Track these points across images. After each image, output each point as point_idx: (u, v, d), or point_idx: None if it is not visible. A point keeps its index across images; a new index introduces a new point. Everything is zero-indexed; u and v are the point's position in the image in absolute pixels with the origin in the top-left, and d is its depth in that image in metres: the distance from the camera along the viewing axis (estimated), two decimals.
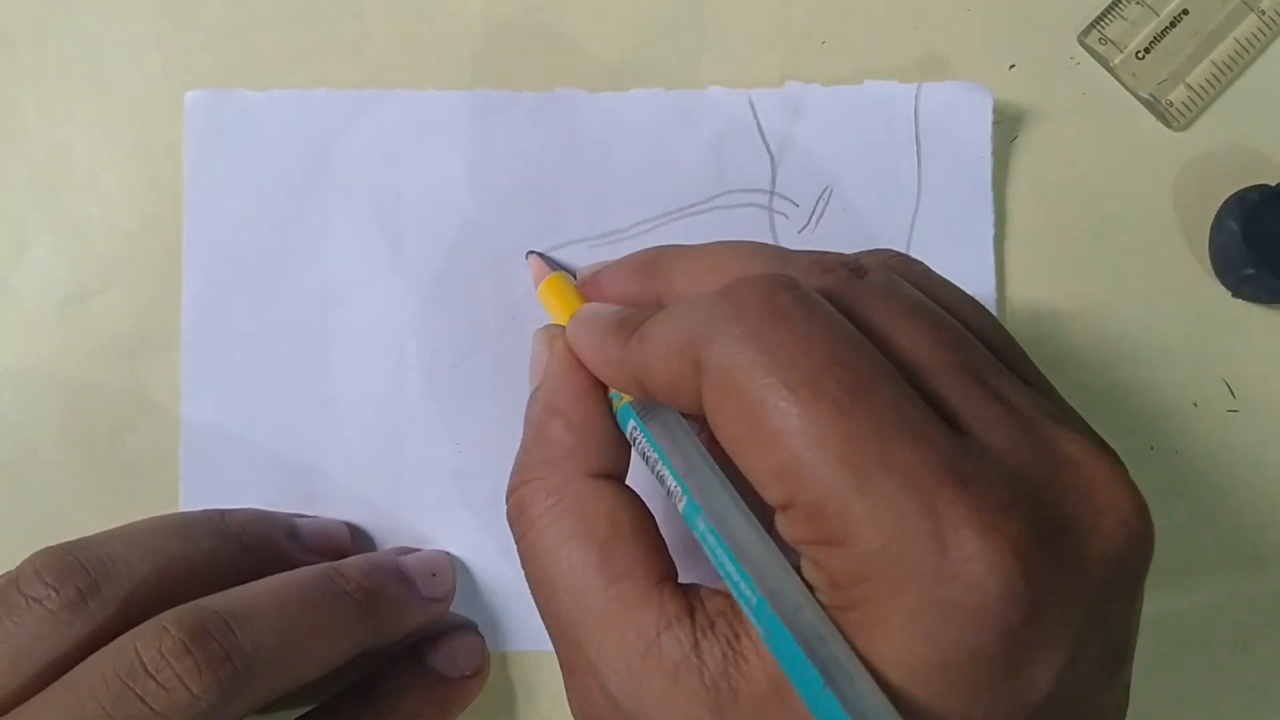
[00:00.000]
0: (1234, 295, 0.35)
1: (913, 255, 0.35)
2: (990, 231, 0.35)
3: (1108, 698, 0.23)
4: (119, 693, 0.25)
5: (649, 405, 0.27)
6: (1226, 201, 0.35)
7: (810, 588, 0.22)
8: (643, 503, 0.27)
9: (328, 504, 0.35)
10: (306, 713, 0.31)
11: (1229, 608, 0.34)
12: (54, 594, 0.27)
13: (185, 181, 0.35)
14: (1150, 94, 0.36)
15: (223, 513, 0.32)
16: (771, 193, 0.35)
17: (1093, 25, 0.36)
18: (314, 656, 0.29)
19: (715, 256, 0.28)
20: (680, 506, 0.25)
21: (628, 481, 0.28)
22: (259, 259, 0.35)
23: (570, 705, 0.26)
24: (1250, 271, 0.34)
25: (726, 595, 0.24)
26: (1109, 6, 0.36)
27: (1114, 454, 0.23)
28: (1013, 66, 0.36)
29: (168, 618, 0.26)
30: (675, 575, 0.26)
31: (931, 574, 0.20)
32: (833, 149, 0.35)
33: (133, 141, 0.36)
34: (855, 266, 0.26)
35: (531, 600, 0.34)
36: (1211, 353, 0.35)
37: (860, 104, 0.35)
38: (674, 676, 0.23)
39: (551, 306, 0.32)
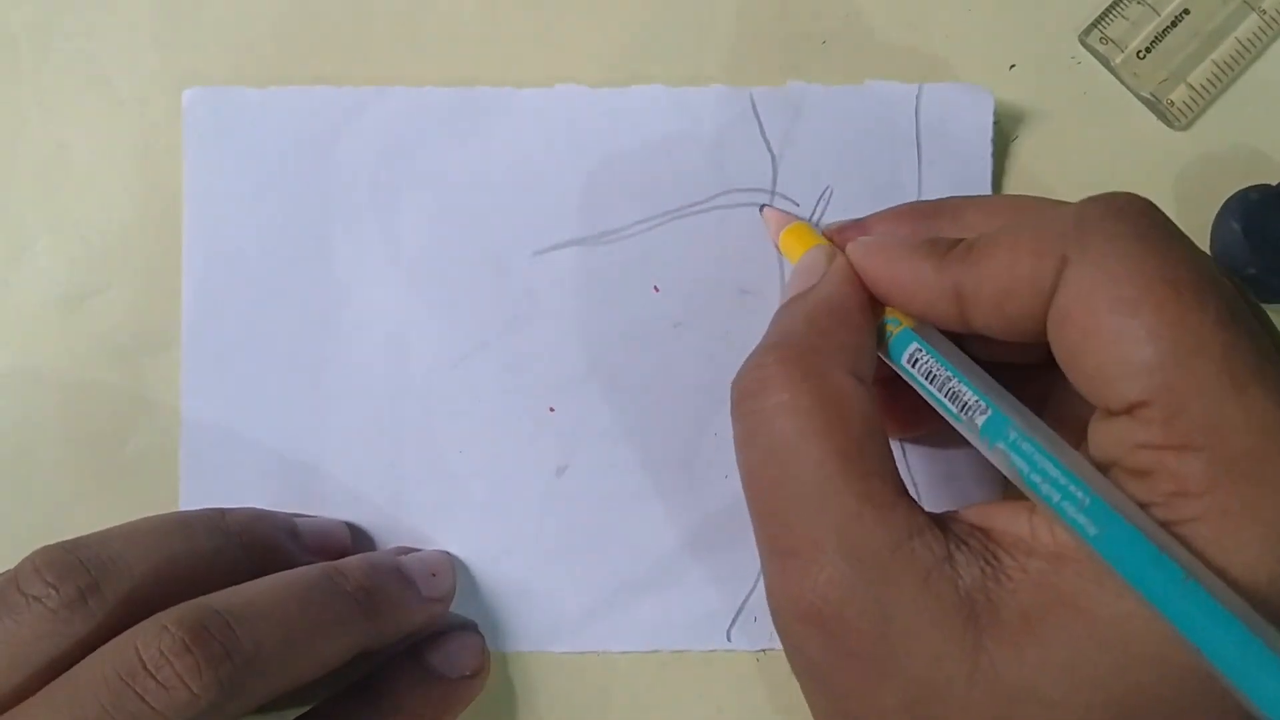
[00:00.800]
0: None
1: None
2: None
3: None
4: (119, 691, 0.25)
5: (927, 330, 0.27)
6: (1227, 201, 0.35)
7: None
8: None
9: (328, 504, 0.35)
10: (306, 712, 0.31)
11: None
12: (54, 592, 0.27)
13: (184, 180, 0.35)
14: (1151, 94, 0.36)
15: (223, 512, 0.32)
16: (773, 192, 0.35)
17: (1093, 25, 0.36)
18: (313, 656, 0.29)
19: (1009, 200, 0.29)
20: (979, 420, 0.24)
21: None
22: (259, 258, 0.35)
23: (774, 594, 0.25)
24: (1251, 271, 0.34)
25: (971, 525, 0.24)
26: (1109, 6, 0.36)
27: None
28: (1013, 66, 0.36)
29: (168, 616, 0.26)
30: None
31: None
32: (834, 149, 0.35)
33: (133, 141, 0.36)
34: None
35: (530, 600, 0.34)
36: None
37: (861, 104, 0.35)
38: (926, 579, 0.23)
39: (797, 253, 0.31)
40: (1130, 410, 0.22)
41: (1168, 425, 0.21)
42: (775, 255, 0.35)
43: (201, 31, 0.36)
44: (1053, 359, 0.24)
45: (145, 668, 0.25)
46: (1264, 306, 0.35)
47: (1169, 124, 0.36)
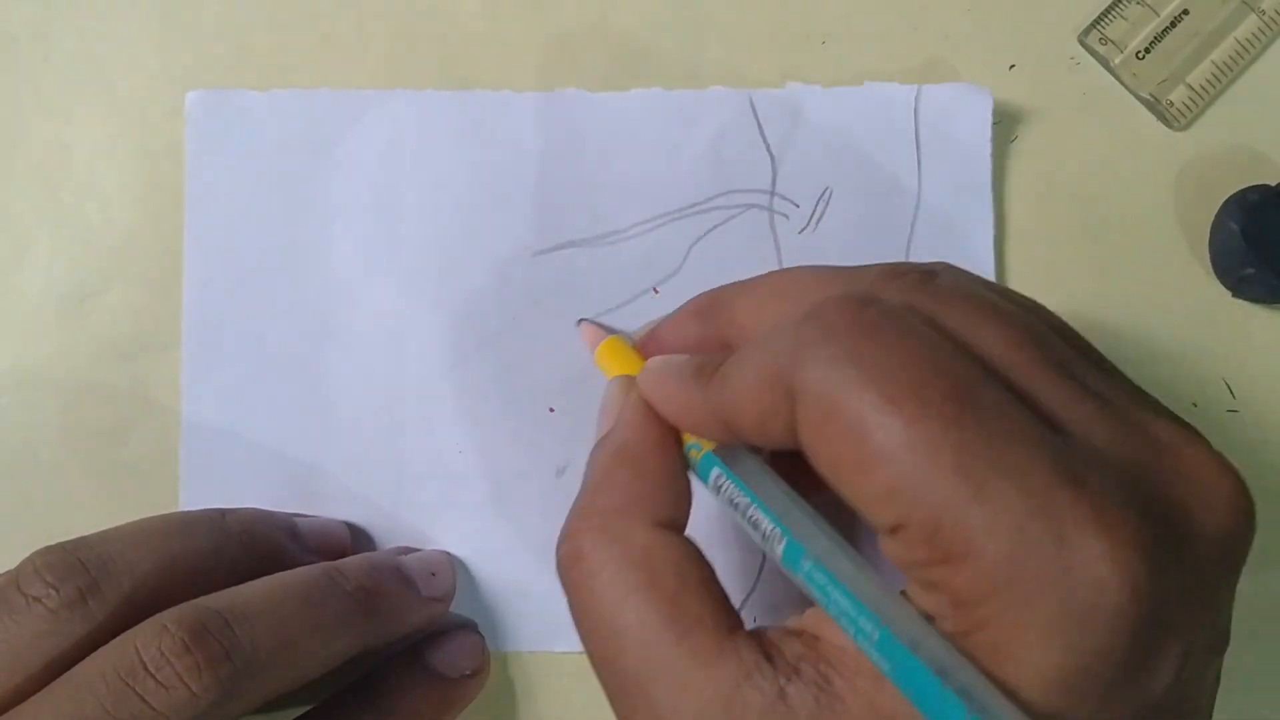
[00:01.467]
0: (1234, 295, 0.35)
1: (912, 256, 0.35)
2: (990, 232, 0.35)
3: (1211, 680, 0.23)
4: (119, 691, 0.25)
5: (731, 451, 0.26)
6: (1226, 201, 0.35)
7: (928, 617, 0.21)
8: (703, 555, 0.26)
9: (328, 504, 0.35)
10: (306, 712, 0.31)
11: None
12: (54, 593, 0.27)
13: (186, 181, 0.35)
14: (1150, 94, 0.36)
15: (223, 512, 0.32)
16: (772, 193, 0.35)
17: (1093, 25, 0.36)
18: (313, 655, 0.29)
19: (773, 283, 0.28)
20: (779, 549, 0.24)
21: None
22: (259, 259, 0.35)
23: None
24: (1250, 271, 0.34)
25: (801, 637, 0.23)
26: (1109, 6, 0.36)
27: (1201, 434, 0.23)
28: (1013, 66, 0.36)
29: (168, 616, 0.26)
30: (742, 626, 0.24)
31: (1060, 579, 0.19)
32: (833, 150, 0.35)
33: (133, 141, 0.36)
34: (923, 271, 0.26)
35: (530, 600, 0.34)
36: (1211, 353, 0.35)
37: (861, 105, 0.35)
38: None
39: (612, 369, 0.32)
40: (894, 531, 0.21)
41: (928, 543, 0.20)
42: (775, 256, 0.35)
43: (202, 33, 0.36)
44: None
45: (145, 668, 0.25)
46: (1263, 306, 0.35)
47: (1168, 124, 0.36)
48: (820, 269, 0.27)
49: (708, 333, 0.29)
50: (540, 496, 0.35)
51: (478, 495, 0.35)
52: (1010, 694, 0.20)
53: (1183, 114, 0.36)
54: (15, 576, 0.27)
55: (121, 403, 0.35)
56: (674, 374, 0.27)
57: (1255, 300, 0.35)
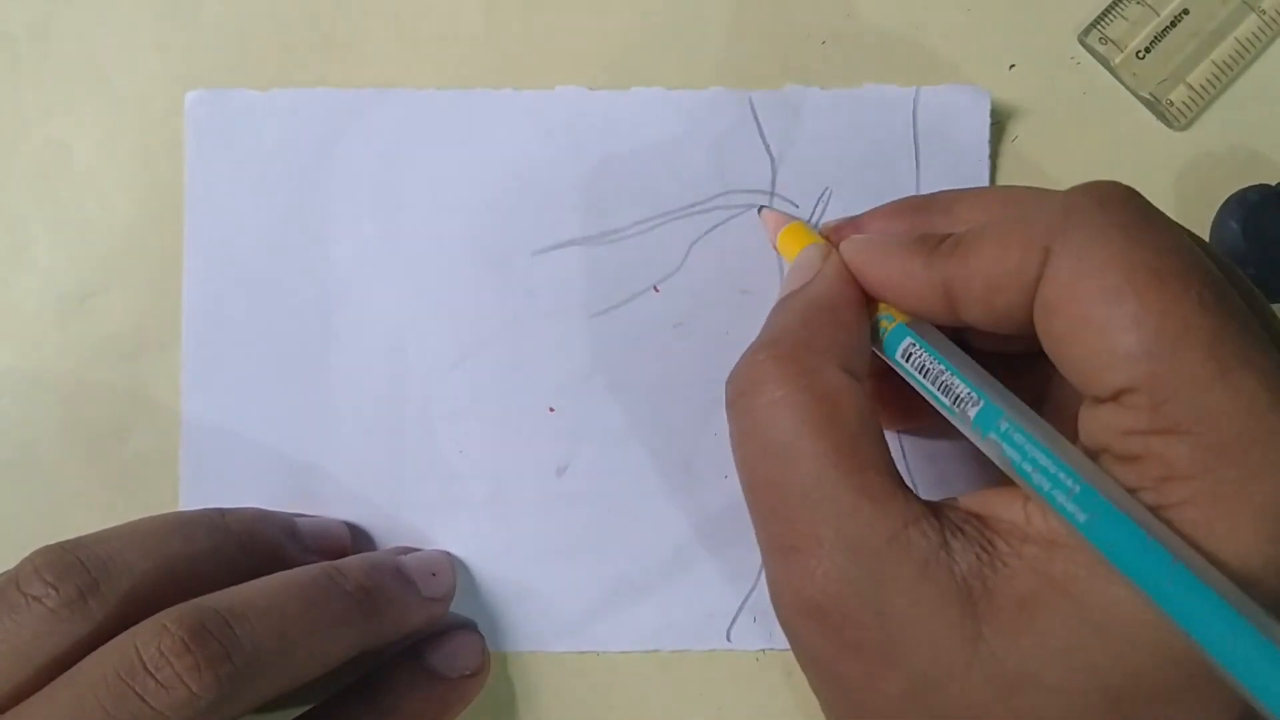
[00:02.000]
0: None
1: None
2: None
3: None
4: (119, 691, 0.25)
5: (921, 325, 0.27)
6: (1226, 201, 0.35)
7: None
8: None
9: (328, 504, 0.35)
10: (306, 712, 0.31)
11: None
12: (54, 592, 0.27)
13: (186, 181, 0.35)
14: (1150, 94, 0.36)
15: (222, 512, 0.32)
16: (772, 194, 0.35)
17: (1093, 25, 0.36)
18: (313, 655, 0.29)
19: (999, 191, 0.29)
20: (972, 412, 0.25)
21: None
22: (259, 258, 0.35)
23: (777, 590, 0.25)
24: (1251, 271, 0.34)
25: (967, 512, 0.24)
26: (1109, 6, 0.36)
27: None
28: (1013, 66, 0.36)
29: (167, 616, 0.26)
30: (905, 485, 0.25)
31: None
32: (833, 151, 0.35)
33: (133, 141, 0.36)
34: None
35: (530, 600, 0.34)
36: None
37: (860, 106, 0.35)
38: (923, 567, 0.23)
39: (794, 252, 0.31)
40: (1117, 397, 0.22)
41: (1155, 411, 0.21)
42: (775, 256, 0.35)
43: (202, 32, 0.36)
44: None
45: (145, 667, 0.25)
46: None
47: (1168, 124, 0.36)
48: (1040, 189, 0.28)
49: (918, 226, 0.29)
50: (540, 496, 0.35)
51: (478, 495, 0.35)
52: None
53: (1183, 114, 0.36)
54: (15, 576, 0.27)
55: (121, 403, 0.35)
56: (892, 243, 0.27)
57: None
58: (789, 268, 0.31)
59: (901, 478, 0.25)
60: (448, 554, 0.34)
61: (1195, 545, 0.21)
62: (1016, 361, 0.28)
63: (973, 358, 0.26)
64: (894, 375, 0.28)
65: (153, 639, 0.26)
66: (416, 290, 0.35)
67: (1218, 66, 0.36)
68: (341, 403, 0.35)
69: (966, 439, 0.26)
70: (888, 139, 0.35)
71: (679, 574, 0.34)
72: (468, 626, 0.34)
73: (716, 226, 0.35)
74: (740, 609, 0.34)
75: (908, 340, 0.27)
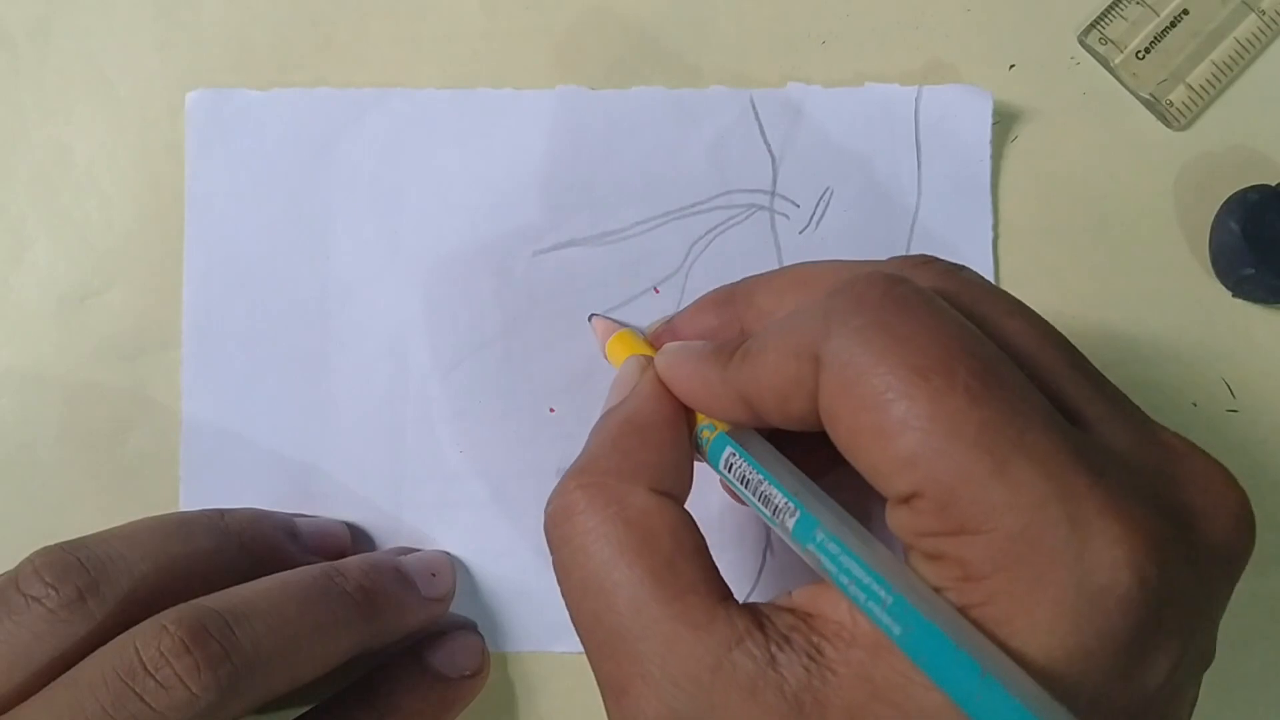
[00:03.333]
0: (1234, 295, 0.35)
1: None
2: (989, 232, 0.35)
3: (1192, 696, 0.23)
4: (118, 691, 0.25)
5: (743, 433, 0.27)
6: (1226, 201, 0.35)
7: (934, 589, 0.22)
8: (697, 526, 0.26)
9: (328, 504, 0.35)
10: (306, 712, 0.31)
11: (1230, 607, 0.34)
12: (54, 593, 0.27)
13: (186, 181, 0.35)
14: (1150, 94, 0.36)
15: (222, 512, 0.32)
16: (773, 193, 0.35)
17: (1093, 25, 0.36)
18: (313, 656, 0.29)
19: (795, 274, 0.28)
20: (790, 523, 0.24)
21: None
22: (259, 258, 0.35)
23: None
24: (1250, 271, 0.34)
25: (793, 613, 0.24)
26: (1109, 6, 0.36)
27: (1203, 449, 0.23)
28: (1013, 66, 0.36)
29: (167, 617, 0.26)
30: (733, 597, 0.25)
31: (1075, 560, 0.20)
32: (834, 150, 0.35)
33: (133, 141, 0.36)
34: (950, 263, 0.26)
35: (530, 600, 0.34)
36: (1211, 353, 0.35)
37: (861, 106, 0.35)
38: (751, 691, 0.22)
39: (623, 359, 0.32)
40: (907, 501, 0.21)
41: (941, 514, 0.21)
42: (775, 256, 0.35)
43: (202, 32, 0.36)
44: None
45: (145, 668, 0.25)
46: (1263, 306, 0.35)
47: (1168, 124, 0.36)
48: (842, 261, 0.28)
49: (726, 322, 0.29)
50: (540, 496, 0.34)
51: (478, 495, 0.35)
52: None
53: (1183, 114, 0.36)
54: (15, 577, 0.27)
55: (121, 403, 0.35)
56: (694, 355, 0.27)
57: (1255, 300, 0.35)
58: (612, 381, 0.31)
59: (726, 590, 0.25)
60: (448, 554, 0.34)
61: (1000, 643, 0.20)
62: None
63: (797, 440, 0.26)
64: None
65: (153, 640, 0.26)
66: (417, 290, 0.35)
67: (1218, 66, 0.36)
68: (341, 403, 0.35)
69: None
70: (889, 138, 0.35)
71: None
72: (468, 626, 0.34)
73: (717, 226, 0.35)
74: None
75: (728, 450, 0.27)
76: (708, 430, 0.27)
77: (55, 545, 0.28)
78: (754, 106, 0.35)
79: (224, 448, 0.35)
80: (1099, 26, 0.36)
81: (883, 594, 0.22)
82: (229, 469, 0.35)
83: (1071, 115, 0.36)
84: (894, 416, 0.21)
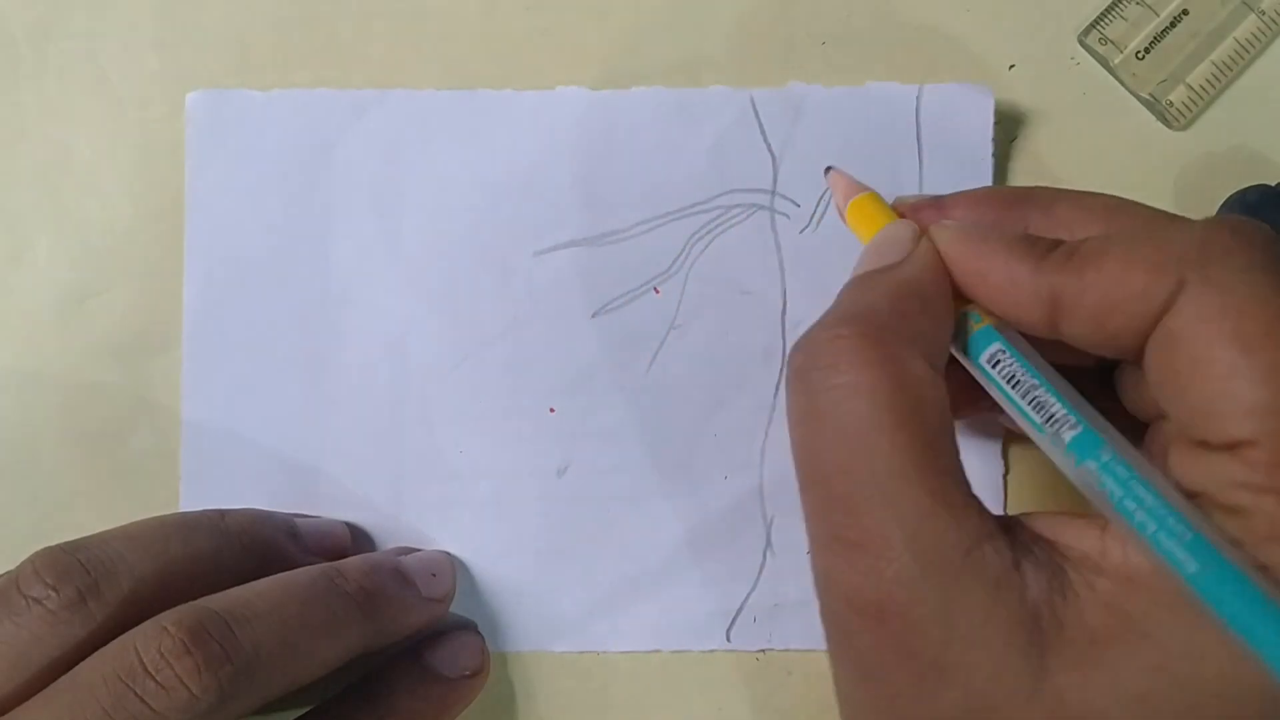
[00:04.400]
0: None
1: None
2: None
3: None
4: (119, 693, 0.25)
5: (1011, 332, 0.26)
6: (1226, 201, 0.35)
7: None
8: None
9: (328, 504, 0.35)
10: (306, 712, 0.31)
11: None
12: (54, 594, 0.27)
13: (186, 181, 0.35)
14: (1150, 94, 0.36)
15: (222, 513, 0.32)
16: (773, 193, 0.35)
17: (1093, 25, 0.36)
18: (313, 656, 0.29)
19: (1108, 200, 0.27)
20: (1067, 435, 0.23)
21: None
22: (260, 259, 0.35)
23: (831, 582, 0.24)
24: None
25: (1036, 534, 0.23)
26: (1109, 6, 0.36)
27: None
28: (1013, 66, 0.36)
29: (167, 618, 0.26)
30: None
31: None
32: (835, 150, 0.35)
33: (133, 141, 0.36)
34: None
35: (530, 600, 0.34)
36: None
37: (862, 105, 0.35)
38: (995, 588, 0.22)
39: (863, 229, 0.29)
40: (1233, 448, 0.21)
41: (1273, 470, 0.20)
42: (776, 256, 0.35)
43: (202, 33, 0.36)
44: (1108, 367, 0.24)
45: (145, 669, 0.25)
46: None
47: (1168, 124, 0.36)
48: (1157, 210, 0.27)
49: (1010, 218, 0.28)
50: (540, 497, 0.35)
51: (478, 495, 0.35)
52: None
53: (1183, 114, 0.36)
54: (15, 578, 0.27)
55: (121, 403, 0.35)
56: (998, 240, 0.26)
57: None
58: (870, 244, 0.28)
59: (971, 488, 0.24)
60: (448, 554, 0.34)
61: None
62: (1075, 375, 0.26)
63: None
64: (950, 371, 0.26)
65: (153, 641, 0.26)
66: (417, 290, 0.35)
67: (1217, 67, 0.36)
68: (342, 403, 0.35)
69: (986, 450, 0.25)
70: (890, 137, 0.35)
71: (679, 574, 0.34)
72: (468, 626, 0.34)
73: (717, 226, 0.35)
74: (740, 609, 0.34)
75: (996, 345, 0.25)
76: (974, 320, 0.26)
77: (55, 546, 0.28)
78: (754, 106, 0.35)
79: (224, 448, 0.35)
80: (1099, 26, 0.36)
81: (1180, 528, 0.21)
82: (229, 469, 0.35)
83: (1071, 115, 0.36)
84: (1260, 360, 0.21)
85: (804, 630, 0.34)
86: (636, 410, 0.35)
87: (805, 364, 0.24)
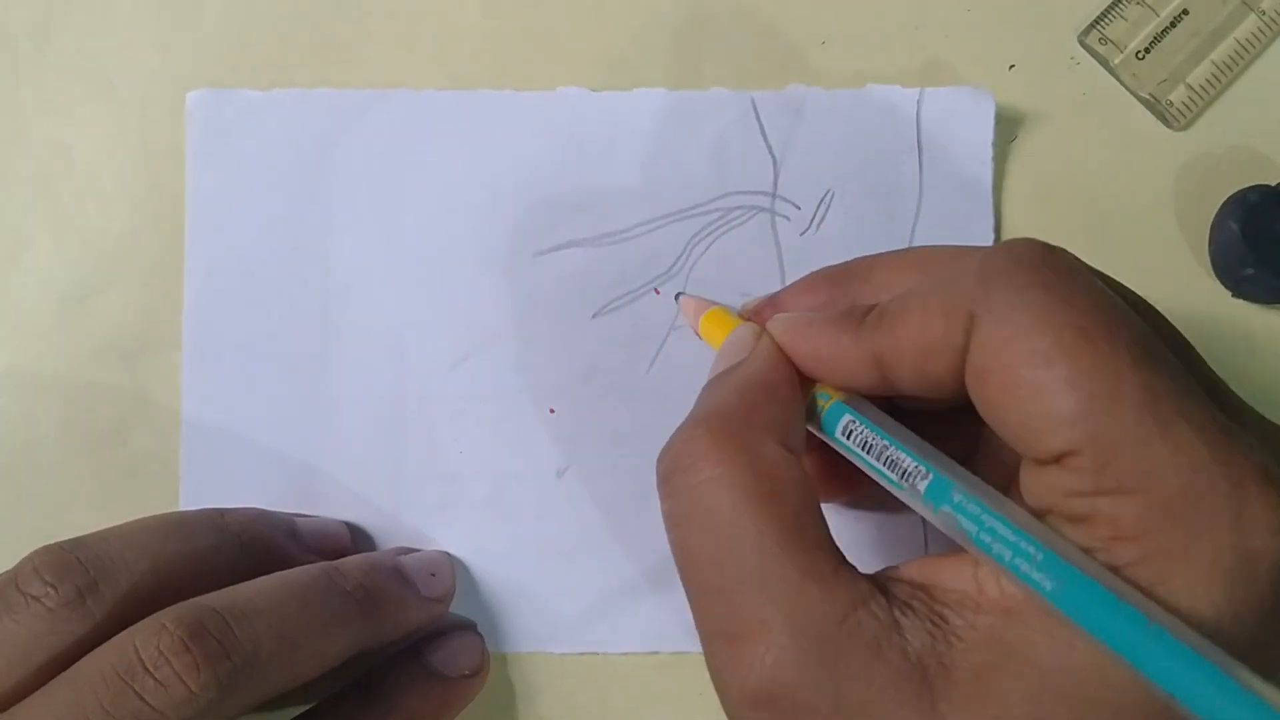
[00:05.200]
0: (1234, 295, 0.35)
1: None
2: (991, 235, 0.35)
3: None
4: (118, 690, 0.25)
5: (858, 401, 0.27)
6: (1226, 201, 0.35)
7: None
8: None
9: (328, 504, 0.35)
10: (306, 712, 0.31)
11: None
12: (53, 592, 0.27)
13: (187, 181, 0.35)
14: (1150, 94, 0.36)
15: (222, 512, 0.32)
16: (773, 195, 0.35)
17: (1093, 25, 0.36)
18: (312, 655, 0.29)
19: (912, 256, 0.28)
20: (922, 485, 0.24)
21: None
22: (260, 259, 0.35)
23: (722, 679, 0.24)
24: (1250, 271, 0.34)
25: (909, 583, 0.24)
26: (1109, 6, 0.36)
27: None
28: (1013, 67, 0.36)
29: (166, 615, 0.26)
30: (847, 561, 0.25)
31: (1234, 521, 0.20)
32: (835, 152, 0.35)
33: (133, 141, 0.36)
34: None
35: (530, 600, 0.34)
36: (1211, 353, 0.35)
37: (863, 107, 0.35)
38: (875, 650, 0.22)
39: (717, 341, 0.31)
40: (1059, 460, 0.22)
41: (1098, 472, 0.21)
42: (776, 258, 0.35)
43: (202, 33, 0.36)
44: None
45: (144, 666, 0.25)
46: (1263, 306, 0.35)
47: (1168, 124, 0.36)
48: (955, 247, 0.28)
49: (837, 298, 0.29)
50: (540, 497, 0.35)
51: (478, 495, 0.35)
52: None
53: (1183, 114, 0.36)
54: (14, 576, 0.27)
55: (121, 403, 0.35)
56: (819, 320, 0.27)
57: (1255, 300, 0.35)
58: (719, 351, 0.30)
59: (843, 555, 0.25)
60: (447, 554, 0.34)
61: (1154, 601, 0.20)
62: (942, 418, 0.28)
63: (899, 419, 0.26)
64: (825, 449, 0.28)
65: (152, 638, 0.26)
66: (417, 291, 0.35)
67: (1217, 67, 0.36)
68: (342, 403, 0.35)
69: (902, 509, 0.26)
70: (891, 140, 0.35)
71: (678, 576, 0.34)
72: (468, 626, 0.34)
73: (718, 228, 0.35)
74: None
75: (847, 417, 0.27)
76: (822, 398, 0.27)
77: (54, 544, 0.28)
78: (755, 108, 0.35)
79: (224, 448, 0.35)
80: (1099, 26, 0.36)
81: (1031, 550, 0.21)
82: (229, 469, 0.34)
83: (1071, 115, 0.36)
84: (1057, 374, 0.21)
85: None
86: (637, 412, 0.35)
87: (669, 469, 0.26)
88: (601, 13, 0.36)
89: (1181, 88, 0.36)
